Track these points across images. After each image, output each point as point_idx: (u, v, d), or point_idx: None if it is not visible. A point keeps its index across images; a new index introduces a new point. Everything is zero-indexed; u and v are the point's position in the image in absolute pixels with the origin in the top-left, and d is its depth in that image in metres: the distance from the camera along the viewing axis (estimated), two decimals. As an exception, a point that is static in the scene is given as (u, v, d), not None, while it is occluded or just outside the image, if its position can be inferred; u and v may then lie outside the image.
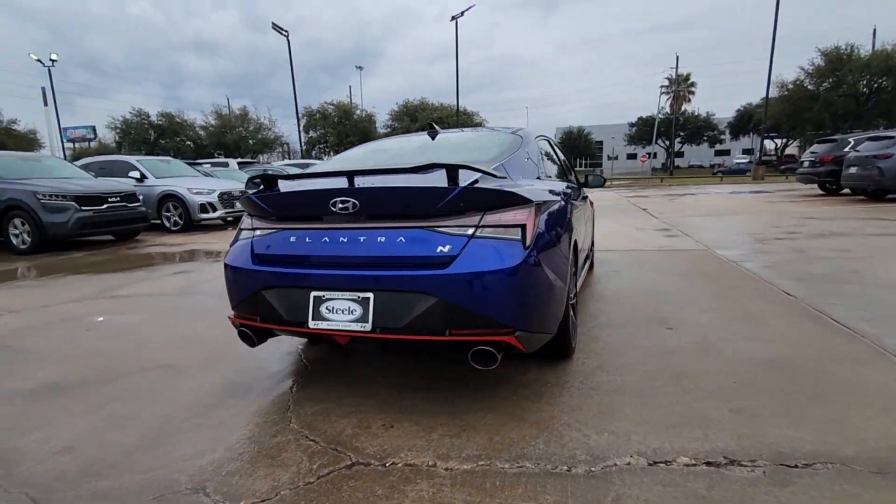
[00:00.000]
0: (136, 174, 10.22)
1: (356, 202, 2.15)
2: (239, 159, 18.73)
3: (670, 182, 30.70)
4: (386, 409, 2.35)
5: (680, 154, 68.94)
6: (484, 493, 1.70)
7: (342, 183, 2.21)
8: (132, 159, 10.74)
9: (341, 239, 2.21)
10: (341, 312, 2.14)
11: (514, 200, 2.13)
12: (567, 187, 3.25)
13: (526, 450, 1.95)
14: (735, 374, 2.55)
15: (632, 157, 71.56)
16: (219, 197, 10.18)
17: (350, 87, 55.52)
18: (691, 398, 2.31)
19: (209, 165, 16.54)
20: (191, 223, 10.08)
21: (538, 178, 2.77)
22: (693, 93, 55.88)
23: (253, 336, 2.43)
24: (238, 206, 10.18)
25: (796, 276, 4.63)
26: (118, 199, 8.27)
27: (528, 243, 2.09)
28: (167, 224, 10.19)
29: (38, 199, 7.45)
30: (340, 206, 2.17)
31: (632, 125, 61.32)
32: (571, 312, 2.90)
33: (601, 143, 75.04)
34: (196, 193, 10.06)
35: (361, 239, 2.17)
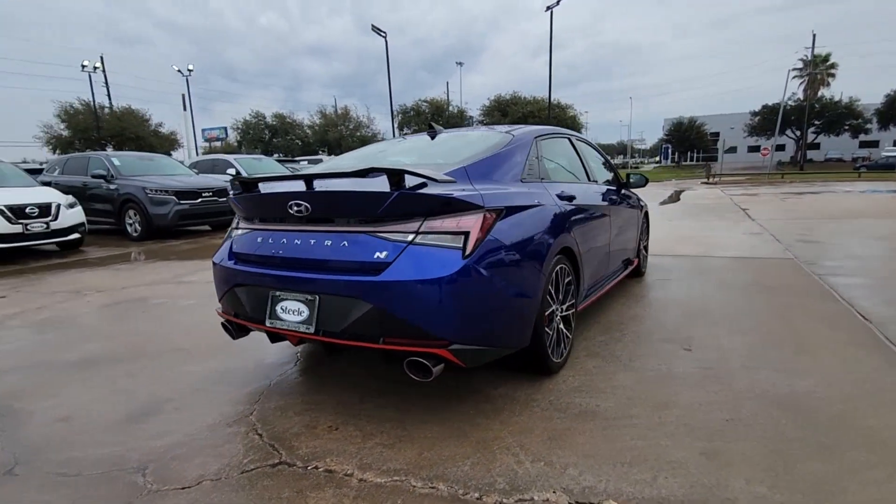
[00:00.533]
0: (233, 171, 11.33)
1: (308, 205, 2.18)
2: (331, 156, 19.88)
3: (793, 178, 27.14)
4: (341, 410, 2.37)
5: (815, 146, 60.55)
6: (379, 511, 1.65)
7: (300, 186, 2.25)
8: (231, 158, 11.92)
9: (296, 241, 2.26)
10: (292, 313, 2.20)
11: (459, 206, 2.02)
12: (572, 191, 3.01)
13: (449, 470, 1.85)
14: (733, 411, 2.20)
15: (754, 149, 64.24)
16: None
17: (447, 83, 56.15)
18: (662, 434, 2.03)
19: (306, 161, 17.79)
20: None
21: (522, 180, 2.59)
22: (833, 75, 48.56)
23: (232, 330, 2.58)
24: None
25: (887, 297, 3.86)
26: (210, 193, 9.23)
27: (469, 251, 1.98)
28: (257, 216, 11.19)
29: (146, 193, 8.58)
30: (295, 209, 2.22)
31: (754, 114, 54.93)
32: (561, 326, 2.70)
33: (717, 134, 68.30)
34: None
35: (312, 242, 2.20)
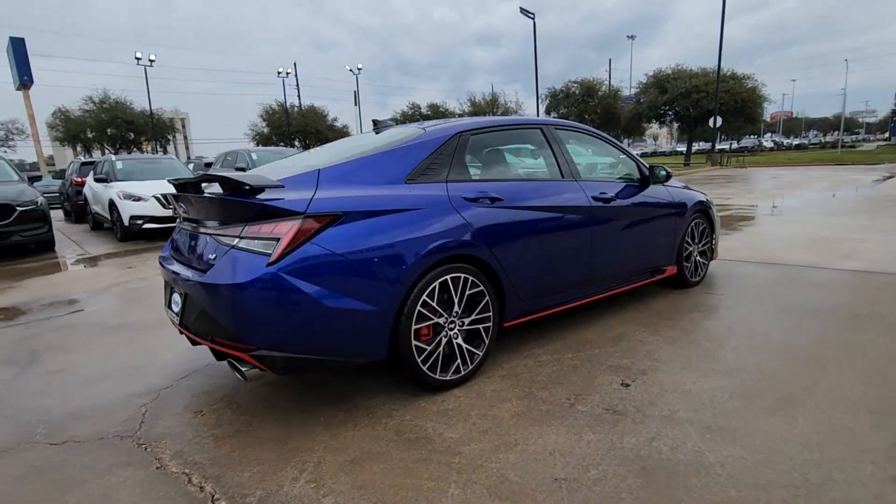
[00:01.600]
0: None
1: (186, 207, 2.38)
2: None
3: None
4: (231, 396, 2.55)
5: None
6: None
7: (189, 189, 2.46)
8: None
9: (182, 239, 2.48)
10: (175, 305, 2.43)
11: (275, 212, 2.00)
12: (503, 192, 2.67)
13: (231, 473, 1.88)
14: (578, 470, 1.78)
15: None
16: None
17: (609, 60, 51.62)
18: (464, 480, 1.75)
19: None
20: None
21: (409, 180, 2.39)
22: None
23: None
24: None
25: None
26: None
27: (275, 258, 1.95)
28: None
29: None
30: (181, 209, 2.43)
31: None
32: (460, 341, 2.47)
33: (985, 100, 51.26)
34: None
35: (187, 240, 2.40)
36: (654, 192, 3.68)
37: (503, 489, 1.70)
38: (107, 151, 33.53)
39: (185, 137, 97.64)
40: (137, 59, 33.28)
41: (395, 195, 2.32)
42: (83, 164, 12.04)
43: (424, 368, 2.34)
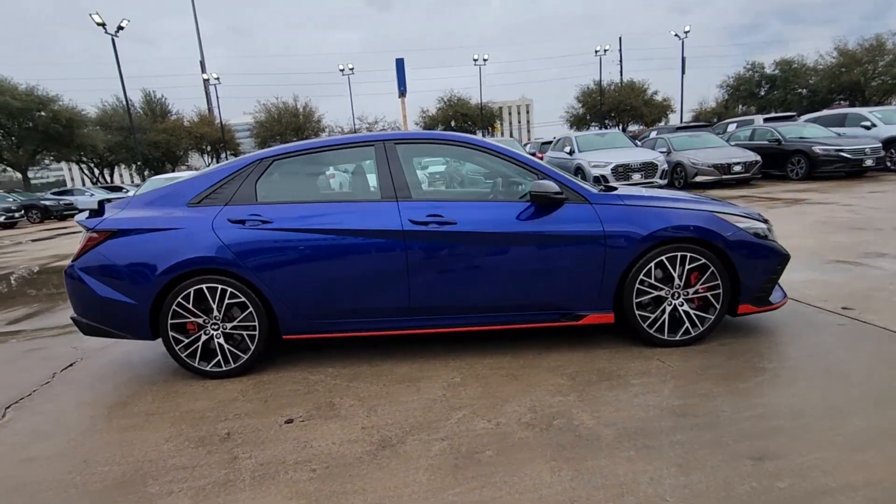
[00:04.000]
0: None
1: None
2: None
3: None
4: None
5: None
6: None
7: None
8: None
9: None
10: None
11: (85, 227, 2.93)
12: (274, 215, 2.80)
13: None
14: (74, 472, 2.06)
15: None
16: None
17: None
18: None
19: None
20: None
21: (191, 204, 2.82)
22: None
23: None
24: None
25: None
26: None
27: (74, 258, 2.88)
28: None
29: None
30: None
31: None
32: (221, 341, 2.82)
33: None
34: None
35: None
36: (557, 214, 2.78)
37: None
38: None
39: (528, 122, 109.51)
40: (474, 59, 39.46)
41: (165, 217, 2.84)
42: (543, 143, 16.71)
43: (183, 356, 2.86)
